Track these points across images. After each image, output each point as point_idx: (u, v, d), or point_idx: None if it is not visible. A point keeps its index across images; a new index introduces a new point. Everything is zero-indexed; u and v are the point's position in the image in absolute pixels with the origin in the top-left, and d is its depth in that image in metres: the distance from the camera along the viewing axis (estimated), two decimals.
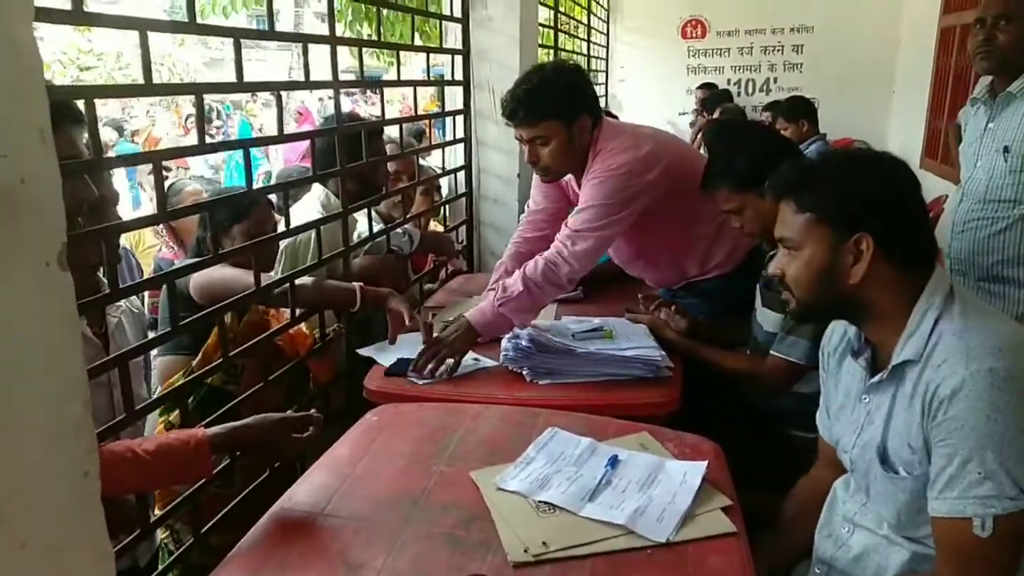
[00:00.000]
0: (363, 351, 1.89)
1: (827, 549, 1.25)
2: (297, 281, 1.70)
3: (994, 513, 0.98)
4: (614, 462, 1.28)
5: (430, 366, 1.73)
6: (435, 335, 1.81)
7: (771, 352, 1.70)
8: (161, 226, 3.42)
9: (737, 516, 1.16)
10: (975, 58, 2.23)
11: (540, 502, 1.19)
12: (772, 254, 1.81)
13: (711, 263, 2.17)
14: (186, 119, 9.67)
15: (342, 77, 1.84)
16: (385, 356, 1.84)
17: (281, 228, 1.82)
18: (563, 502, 1.18)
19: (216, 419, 1.39)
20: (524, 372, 1.71)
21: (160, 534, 1.70)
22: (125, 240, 3.21)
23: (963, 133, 3.25)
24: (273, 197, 1.91)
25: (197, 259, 1.49)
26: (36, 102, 0.50)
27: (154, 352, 1.77)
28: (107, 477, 1.07)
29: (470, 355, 1.82)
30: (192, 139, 5.72)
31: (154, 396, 1.41)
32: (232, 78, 1.45)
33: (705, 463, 1.25)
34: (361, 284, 1.81)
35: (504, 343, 1.76)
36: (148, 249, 3.65)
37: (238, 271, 1.67)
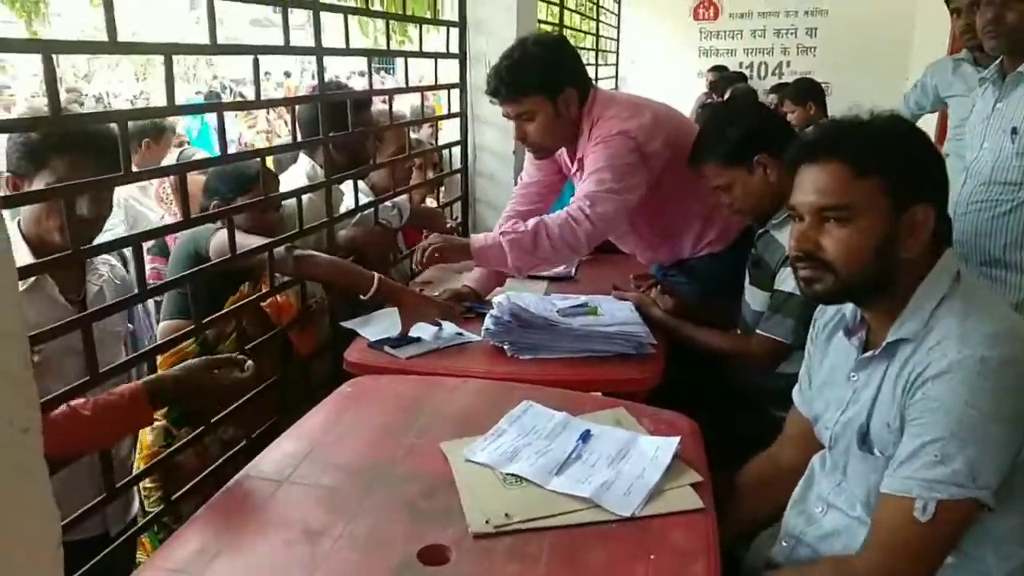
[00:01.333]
0: (347, 324, 1.87)
1: (798, 525, 1.22)
2: (316, 254, 1.73)
3: (938, 498, 0.95)
4: (586, 436, 1.26)
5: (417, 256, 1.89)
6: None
7: (756, 331, 1.67)
8: (170, 195, 3.38)
9: (707, 492, 1.12)
10: (983, 36, 2.18)
11: (507, 474, 1.16)
12: (761, 232, 1.78)
13: (703, 241, 2.13)
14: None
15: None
16: (368, 329, 1.82)
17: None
18: (531, 475, 1.15)
19: None
20: (505, 347, 1.68)
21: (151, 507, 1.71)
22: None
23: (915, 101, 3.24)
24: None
25: (167, 224, 1.48)
26: None
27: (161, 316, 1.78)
28: (53, 440, 1.08)
29: (453, 328, 1.80)
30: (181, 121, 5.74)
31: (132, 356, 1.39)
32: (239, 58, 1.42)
33: (677, 439, 1.22)
34: (382, 276, 1.77)
35: (486, 318, 1.73)
36: None
37: (256, 238, 1.66)
